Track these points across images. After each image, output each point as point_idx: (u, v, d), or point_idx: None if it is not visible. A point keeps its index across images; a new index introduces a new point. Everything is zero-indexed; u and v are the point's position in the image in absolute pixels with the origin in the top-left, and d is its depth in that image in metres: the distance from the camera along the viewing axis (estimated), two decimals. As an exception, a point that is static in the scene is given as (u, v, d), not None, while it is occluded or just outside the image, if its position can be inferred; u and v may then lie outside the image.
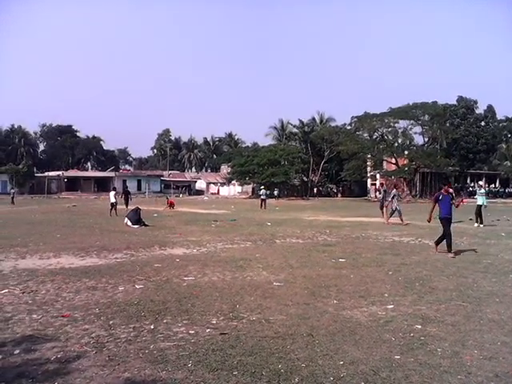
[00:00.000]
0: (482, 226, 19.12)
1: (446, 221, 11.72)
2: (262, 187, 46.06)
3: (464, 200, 25.52)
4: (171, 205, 34.35)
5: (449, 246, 11.53)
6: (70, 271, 9.33)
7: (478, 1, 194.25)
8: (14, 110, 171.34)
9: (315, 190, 73.37)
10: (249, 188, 73.68)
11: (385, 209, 24.48)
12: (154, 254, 11.81)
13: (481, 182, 26.69)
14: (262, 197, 38.72)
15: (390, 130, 60.72)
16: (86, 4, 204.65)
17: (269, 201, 49.30)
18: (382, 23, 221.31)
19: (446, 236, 11.61)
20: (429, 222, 12.59)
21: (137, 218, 19.66)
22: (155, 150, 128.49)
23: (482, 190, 21.60)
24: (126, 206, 30.26)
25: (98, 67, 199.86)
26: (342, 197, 71.83)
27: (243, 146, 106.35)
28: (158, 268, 9.62)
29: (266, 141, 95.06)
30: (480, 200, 20.00)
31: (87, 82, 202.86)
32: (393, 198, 20.90)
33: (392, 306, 6.62)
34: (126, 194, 32.42)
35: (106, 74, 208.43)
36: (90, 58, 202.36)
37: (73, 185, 77.79)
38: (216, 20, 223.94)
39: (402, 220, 20.30)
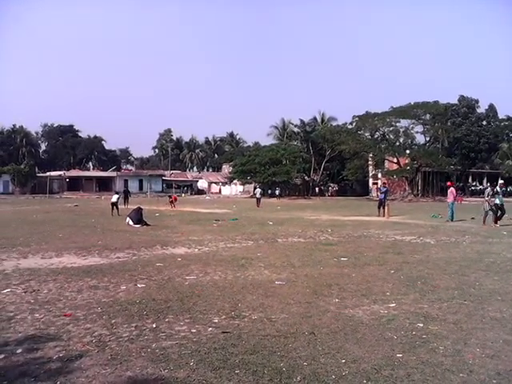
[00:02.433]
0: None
1: None
2: (257, 186, 46.63)
3: (460, 198, 25.18)
4: (174, 200, 34.60)
5: None
6: (72, 270, 9.34)
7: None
8: (15, 110, 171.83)
9: (317, 189, 73.37)
10: (250, 187, 73.66)
11: (386, 207, 24.61)
12: (155, 253, 11.81)
13: (501, 181, 25.07)
14: (257, 195, 39.24)
15: (391, 129, 60.63)
16: (86, 4, 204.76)
17: (271, 200, 49.37)
18: (383, 22, 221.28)
19: None
20: None
21: (138, 217, 19.71)
22: (157, 150, 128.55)
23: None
24: (126, 204, 30.83)
25: (99, 67, 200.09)
26: (335, 196, 71.42)
27: (244, 145, 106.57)
28: (159, 267, 9.62)
29: (268, 140, 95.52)
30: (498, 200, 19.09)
31: (88, 82, 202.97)
32: (488, 196, 19.42)
33: (394, 305, 6.61)
34: (126, 193, 33.42)
35: (108, 73, 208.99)
36: (92, 58, 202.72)
37: (74, 185, 77.88)
38: (217, 21, 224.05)
39: (484, 222, 19.12)
